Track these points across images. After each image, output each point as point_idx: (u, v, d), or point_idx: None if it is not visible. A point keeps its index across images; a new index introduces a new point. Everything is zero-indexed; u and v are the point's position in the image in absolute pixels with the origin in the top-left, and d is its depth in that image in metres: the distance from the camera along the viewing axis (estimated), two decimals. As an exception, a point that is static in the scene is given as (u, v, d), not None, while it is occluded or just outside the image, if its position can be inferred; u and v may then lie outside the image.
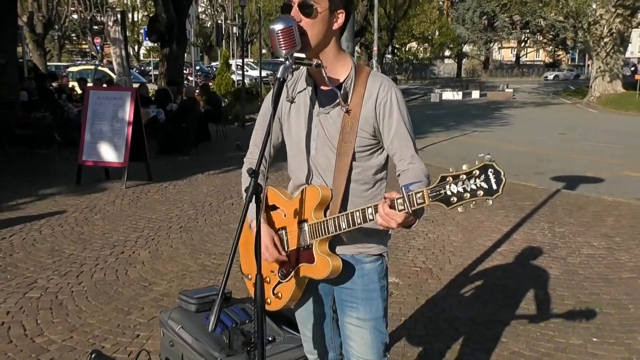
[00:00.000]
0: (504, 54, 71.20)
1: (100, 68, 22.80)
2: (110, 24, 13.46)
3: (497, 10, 44.54)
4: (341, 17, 2.08)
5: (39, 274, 5.01)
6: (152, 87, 17.22)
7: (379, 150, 2.13)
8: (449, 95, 31.64)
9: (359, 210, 1.95)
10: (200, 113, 12.84)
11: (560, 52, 58.89)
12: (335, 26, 2.08)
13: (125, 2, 41.38)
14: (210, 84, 21.66)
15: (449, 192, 1.72)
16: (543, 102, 29.22)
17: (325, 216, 2.08)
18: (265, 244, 2.14)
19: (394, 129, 2.06)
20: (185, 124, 11.79)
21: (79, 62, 38.60)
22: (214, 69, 31.88)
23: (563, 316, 4.21)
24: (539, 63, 62.69)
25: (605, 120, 21.19)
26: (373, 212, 1.90)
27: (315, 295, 2.30)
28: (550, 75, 51.31)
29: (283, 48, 2.00)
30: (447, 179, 1.73)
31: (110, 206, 7.45)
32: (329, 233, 2.03)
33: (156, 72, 21.31)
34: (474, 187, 1.68)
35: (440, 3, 56.18)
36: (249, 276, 2.34)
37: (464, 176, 1.70)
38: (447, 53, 60.49)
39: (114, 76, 16.33)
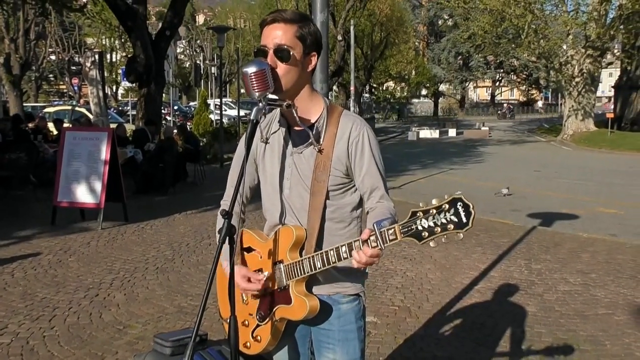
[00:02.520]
0: (479, 92, 72.57)
1: (77, 108, 22.74)
2: (88, 64, 13.47)
3: (472, 51, 45.58)
4: (314, 60, 2.14)
5: (9, 319, 4.90)
6: (130, 127, 17.21)
7: (352, 189, 2.16)
8: (426, 133, 32.02)
9: (333, 249, 1.97)
10: (178, 153, 12.84)
11: (534, 91, 60.19)
12: (309, 68, 2.14)
13: (103, 43, 41.56)
14: (189, 123, 21.73)
15: (420, 227, 1.75)
16: (518, 140, 29.71)
17: (300, 256, 2.09)
18: (239, 282, 2.13)
19: (365, 168, 2.10)
20: (163, 163, 11.78)
21: (56, 102, 38.48)
22: (193, 109, 32.00)
23: (540, 353, 4.22)
24: (513, 102, 63.91)
25: (579, 157, 21.58)
26: (347, 251, 1.92)
27: (293, 338, 2.29)
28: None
29: (256, 90, 2.05)
30: (418, 214, 1.76)
31: (85, 248, 7.36)
32: (304, 273, 2.04)
33: (134, 112, 21.33)
34: (444, 221, 1.72)
35: (416, 44, 57.31)
36: (228, 320, 2.32)
37: (434, 211, 1.73)
38: (423, 92, 61.41)
39: (91, 116, 16.28)
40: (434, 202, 1.74)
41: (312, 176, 2.11)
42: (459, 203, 1.70)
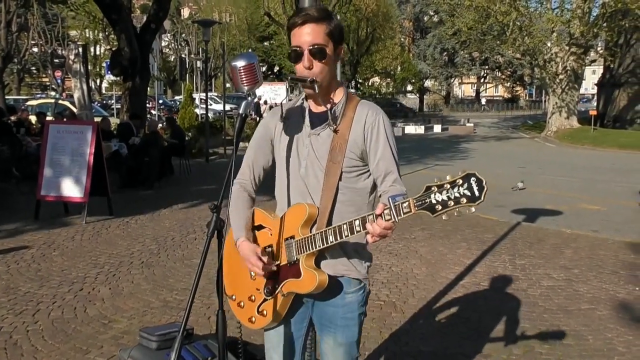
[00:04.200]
0: (464, 89, 72.91)
1: (60, 102, 22.52)
2: (72, 57, 13.31)
3: (457, 47, 45.83)
4: (341, 52, 2.22)
5: (-7, 313, 4.86)
6: (114, 121, 17.08)
7: (366, 174, 2.22)
8: (411, 129, 32.14)
9: (346, 223, 2.02)
10: (163, 147, 12.77)
11: (518, 88, 60.59)
12: (338, 60, 2.23)
13: (87, 35, 41.16)
14: (175, 117, 21.60)
15: (434, 201, 1.81)
16: (503, 136, 29.91)
17: (312, 232, 2.14)
18: (250, 259, 2.16)
19: (380, 152, 2.17)
20: (148, 157, 11.70)
21: (38, 95, 38.07)
22: (178, 103, 31.81)
23: (524, 347, 4.26)
24: (498, 98, 64.30)
25: (562, 154, 21.77)
26: (361, 224, 1.97)
27: (291, 320, 2.33)
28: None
29: (245, 84, 2.07)
30: (432, 189, 1.82)
31: (69, 242, 7.30)
32: (315, 247, 2.09)
33: (118, 106, 21.15)
34: (457, 195, 1.78)
35: (402, 39, 57.39)
36: (233, 297, 2.36)
37: (448, 185, 1.79)
38: (409, 88, 61.56)
39: (74, 110, 16.13)
40: (448, 177, 1.80)
41: (328, 157, 2.17)
42: (472, 178, 1.76)
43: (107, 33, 36.80)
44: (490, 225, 8.53)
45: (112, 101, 31.43)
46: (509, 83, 58.42)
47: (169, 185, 11.98)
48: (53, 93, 39.72)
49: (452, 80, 58.52)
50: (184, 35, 49.35)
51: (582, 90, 38.03)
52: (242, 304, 2.30)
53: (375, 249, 7.03)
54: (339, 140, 2.16)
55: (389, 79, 57.91)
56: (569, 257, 6.85)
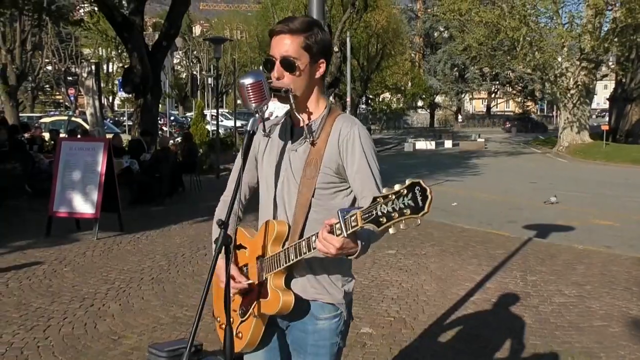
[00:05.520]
0: (475, 104, 72.85)
1: (73, 119, 22.76)
2: (85, 75, 13.55)
3: (468, 63, 45.92)
4: (322, 66, 2.17)
5: (4, 329, 4.88)
6: (126, 138, 17.22)
7: (344, 191, 2.15)
8: (422, 145, 32.14)
9: (304, 240, 1.97)
10: (174, 163, 12.85)
11: (529, 103, 60.42)
12: (318, 75, 2.17)
13: (100, 53, 41.65)
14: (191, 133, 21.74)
15: (379, 213, 1.72)
16: (514, 152, 29.82)
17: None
18: (219, 276, 2.16)
19: (356, 166, 2.09)
20: (159, 174, 11.78)
21: (52, 113, 38.48)
22: (189, 119, 32.04)
23: (536, 365, 4.22)
24: (509, 113, 64.15)
25: (574, 169, 21.67)
26: (316, 240, 1.91)
27: (271, 346, 2.27)
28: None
29: (253, 102, 2.07)
30: (378, 200, 1.73)
31: (80, 258, 7.34)
32: (279, 265, 2.05)
33: (130, 123, 21.34)
34: (402, 206, 1.68)
35: (412, 55, 57.56)
36: (218, 319, 2.34)
37: (393, 196, 1.70)
38: (420, 103, 61.62)
39: (87, 127, 16.31)
40: (396, 187, 1.71)
41: (302, 172, 2.12)
42: (416, 187, 1.67)
43: (119, 51, 37.23)
44: (501, 241, 8.49)
45: (124, 118, 31.71)
46: (520, 98, 58.29)
47: (179, 202, 12.03)
48: (66, 110, 40.11)
49: (462, 96, 58.49)
50: (195, 52, 49.87)
51: (593, 105, 37.92)
52: (223, 326, 2.29)
53: (385, 264, 7.03)
54: (314, 155, 2.10)
55: (400, 95, 58.01)
56: (581, 274, 6.80)
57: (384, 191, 1.73)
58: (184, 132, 17.70)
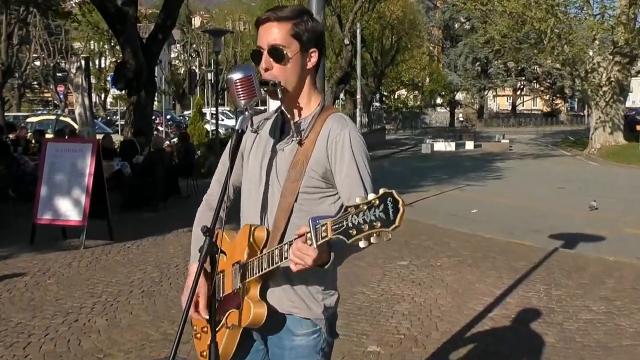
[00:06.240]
0: (499, 102, 72.64)
1: (62, 118, 22.91)
2: (74, 70, 13.61)
3: (491, 57, 45.76)
4: (314, 56, 2.18)
5: (-19, 345, 4.91)
6: (118, 139, 17.31)
7: (331, 197, 2.15)
8: (441, 146, 32.03)
9: (277, 248, 1.97)
10: (169, 165, 12.89)
11: (558, 101, 60.21)
12: (309, 66, 2.18)
13: (92, 47, 41.92)
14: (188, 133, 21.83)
15: (350, 224, 1.73)
16: (542, 154, 29.67)
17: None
18: (184, 292, 2.21)
19: (345, 171, 2.09)
20: (153, 177, 11.82)
21: (39, 112, 38.78)
22: (187, 118, 32.17)
23: (558, 388, 4.20)
24: (536, 112, 63.94)
25: (607, 173, 21.53)
26: (289, 250, 1.91)
27: (249, 358, 2.27)
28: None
29: (242, 98, 2.09)
30: (349, 210, 1.74)
31: (65, 269, 7.38)
32: (253, 274, 2.05)
33: (123, 122, 21.44)
34: (372, 218, 1.69)
35: (431, 48, 57.51)
36: (194, 327, 2.35)
37: (365, 206, 1.71)
38: (438, 101, 61.53)
39: (76, 126, 16.41)
40: (369, 196, 1.72)
41: (286, 174, 2.13)
42: (388, 198, 1.67)
43: (112, 44, 37.44)
44: (524, 252, 8.46)
45: (117, 117, 31.87)
46: (548, 95, 58.09)
47: (174, 208, 12.06)
48: (55, 109, 40.39)
49: (485, 93, 58.32)
50: (194, 45, 50.09)
51: (628, 103, 37.72)
52: (199, 335, 2.29)
53: (397, 277, 7.03)
54: (300, 156, 2.10)
55: (417, 91, 57.96)
56: (611, 288, 6.75)
57: (357, 200, 1.73)
58: (181, 132, 17.79)
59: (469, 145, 33.19)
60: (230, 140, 2.15)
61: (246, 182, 2.28)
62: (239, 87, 2.07)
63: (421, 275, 7.14)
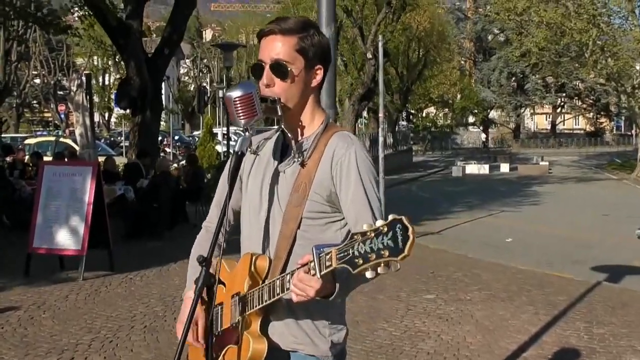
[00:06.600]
0: (537, 121, 72.36)
1: (62, 139, 23.22)
2: (74, 88, 13.81)
3: (527, 71, 45.73)
4: (320, 73, 2.20)
5: (-31, 385, 4.96)
6: (121, 161, 17.49)
7: (337, 223, 2.16)
8: (473, 168, 31.99)
9: (279, 278, 1.98)
10: (176, 190, 12.97)
11: (603, 120, 59.80)
12: (314, 84, 2.20)
13: (95, 63, 42.55)
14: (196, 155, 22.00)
15: (356, 253, 1.73)
16: (585, 178, 29.44)
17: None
18: (178, 324, 2.24)
19: (351, 195, 2.09)
20: (158, 203, 11.90)
21: (39, 133, 39.38)
22: (196, 139, 32.44)
23: None
24: (578, 132, 63.57)
25: (658, 198, 21.30)
26: (291, 281, 1.92)
27: None
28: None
29: (242, 118, 2.09)
30: (355, 237, 1.75)
31: (62, 302, 7.43)
32: (253, 307, 2.05)
33: (127, 144, 21.70)
34: (380, 246, 1.69)
35: (462, 62, 57.58)
36: None
37: (372, 234, 1.71)
38: (471, 119, 61.47)
39: (77, 148, 16.60)
40: (377, 223, 1.72)
41: (289, 199, 2.13)
42: (397, 225, 1.68)
43: (116, 60, 37.99)
44: (563, 285, 8.38)
45: (121, 137, 32.21)
46: (591, 113, 57.73)
47: (181, 236, 12.10)
48: (56, 130, 40.92)
49: (522, 111, 58.13)
50: (205, 60, 50.68)
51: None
52: None
53: (422, 312, 7.00)
54: (303, 179, 2.11)
55: (447, 109, 57.96)
56: (661, 325, 6.67)
57: (364, 227, 1.74)
58: (188, 154, 17.93)
59: (504, 167, 33.06)
60: (229, 163, 2.16)
61: (245, 207, 2.30)
62: (238, 105, 2.06)
63: (449, 310, 7.09)
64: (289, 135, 2.17)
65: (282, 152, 2.24)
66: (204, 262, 2.01)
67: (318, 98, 2.27)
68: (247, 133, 2.13)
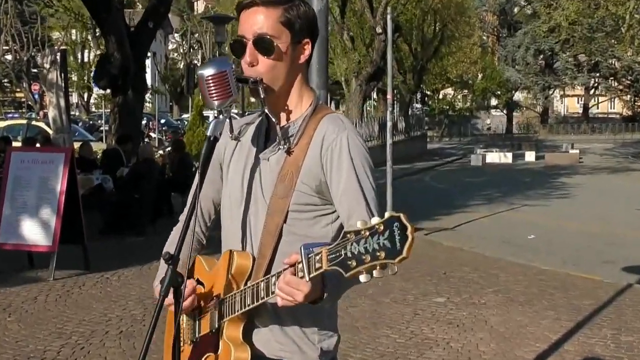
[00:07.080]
0: (567, 103, 72.24)
1: (35, 123, 23.23)
2: (47, 65, 13.84)
3: (557, 48, 45.60)
4: (307, 48, 2.20)
5: None
6: (99, 147, 17.51)
7: (327, 216, 2.15)
8: (494, 157, 31.95)
9: (264, 281, 1.97)
10: (160, 179, 12.98)
11: (641, 102, 59.63)
12: (302, 59, 2.20)
13: (72, 38, 42.50)
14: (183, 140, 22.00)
15: (349, 254, 1.72)
16: (619, 168, 29.38)
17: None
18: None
19: (343, 184, 2.08)
20: (139, 193, 11.91)
21: (9, 115, 39.39)
22: (185, 123, 32.46)
23: None
24: (614, 116, 63.40)
25: (700, 191, 21.26)
26: (277, 283, 1.92)
27: None
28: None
29: (215, 98, 2.07)
30: (348, 237, 1.74)
31: (29, 304, 7.46)
32: (234, 312, 2.06)
33: (107, 128, 21.71)
34: (375, 246, 1.68)
35: (483, 38, 57.43)
36: None
37: (367, 232, 1.70)
38: (493, 102, 61.33)
39: (50, 132, 16.63)
40: (373, 220, 1.71)
41: (273, 189, 2.13)
42: (395, 224, 1.67)
43: (96, 34, 37.95)
44: (590, 288, 8.38)
45: (101, 121, 32.25)
46: (628, 96, 57.59)
47: (165, 231, 11.94)
48: (29, 112, 40.96)
49: (550, 92, 58.00)
50: (196, 35, 50.58)
51: None
52: None
53: (430, 317, 7.01)
54: (290, 167, 2.10)
55: (466, 91, 57.81)
56: (696, 333, 6.67)
57: (359, 225, 1.73)
58: (175, 140, 17.95)
59: (530, 156, 33.02)
60: (202, 150, 2.15)
61: (226, 199, 2.29)
62: (210, 84, 2.04)
63: (460, 315, 7.10)
64: (273, 119, 2.16)
65: (265, 137, 2.23)
66: (171, 259, 2.00)
67: (306, 76, 2.26)
68: (221, 116, 2.12)
